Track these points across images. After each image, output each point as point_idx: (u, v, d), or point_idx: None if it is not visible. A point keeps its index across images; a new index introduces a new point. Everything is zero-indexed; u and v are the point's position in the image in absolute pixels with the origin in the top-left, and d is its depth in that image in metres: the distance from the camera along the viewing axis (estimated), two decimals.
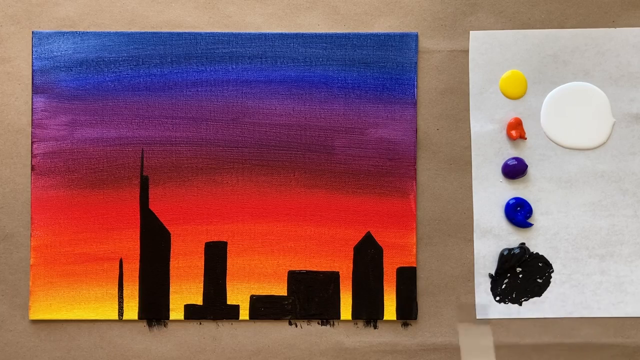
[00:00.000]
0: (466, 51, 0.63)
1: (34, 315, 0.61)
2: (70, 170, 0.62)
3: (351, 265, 0.62)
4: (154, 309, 0.62)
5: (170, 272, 0.62)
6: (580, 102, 0.63)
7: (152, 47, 0.62)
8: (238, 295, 0.62)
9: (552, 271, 0.62)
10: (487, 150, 0.63)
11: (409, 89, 0.62)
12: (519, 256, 0.62)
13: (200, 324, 0.62)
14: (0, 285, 0.62)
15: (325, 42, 0.62)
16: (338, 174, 0.62)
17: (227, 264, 0.62)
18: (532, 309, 0.62)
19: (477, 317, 0.62)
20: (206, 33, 0.62)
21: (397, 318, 0.62)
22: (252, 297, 0.62)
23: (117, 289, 0.62)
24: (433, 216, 0.62)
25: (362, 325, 0.62)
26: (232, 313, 0.62)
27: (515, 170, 0.62)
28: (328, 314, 0.62)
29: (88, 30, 0.62)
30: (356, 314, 0.62)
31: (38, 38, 0.62)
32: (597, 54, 0.63)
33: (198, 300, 0.62)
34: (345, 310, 0.62)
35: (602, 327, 0.62)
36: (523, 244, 0.62)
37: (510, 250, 0.62)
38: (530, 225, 0.62)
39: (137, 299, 0.62)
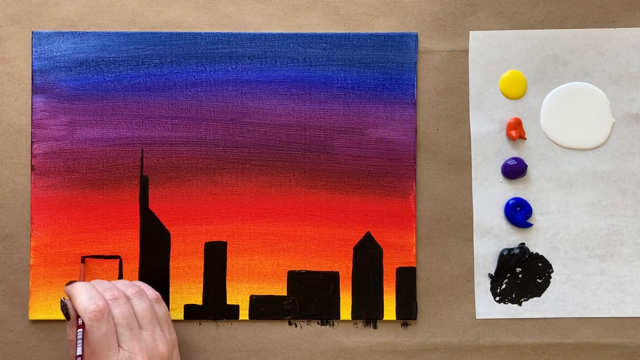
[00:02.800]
0: (466, 51, 0.63)
1: (33, 315, 0.61)
2: (70, 170, 0.62)
3: (351, 266, 0.62)
4: None
5: (170, 272, 0.62)
6: (580, 102, 0.63)
7: (152, 47, 0.62)
8: (238, 295, 0.62)
9: (552, 271, 0.62)
10: (487, 150, 0.63)
11: (408, 89, 0.62)
12: (518, 256, 0.62)
13: (200, 324, 0.62)
14: (0, 285, 0.62)
15: (325, 42, 0.62)
16: (338, 174, 0.62)
17: (227, 264, 0.62)
18: (532, 309, 0.62)
19: (477, 317, 0.62)
20: (206, 33, 0.62)
21: (397, 318, 0.62)
22: (252, 297, 0.62)
23: None
24: (433, 216, 0.62)
25: (362, 325, 0.62)
26: (232, 313, 0.62)
27: (515, 170, 0.62)
28: (328, 314, 0.62)
29: (88, 30, 0.62)
30: (356, 314, 0.62)
31: (38, 38, 0.62)
32: (597, 54, 0.63)
33: (198, 300, 0.62)
34: (345, 310, 0.62)
35: (602, 327, 0.62)
36: (523, 244, 0.62)
37: (510, 250, 0.62)
38: (530, 225, 0.62)
39: None
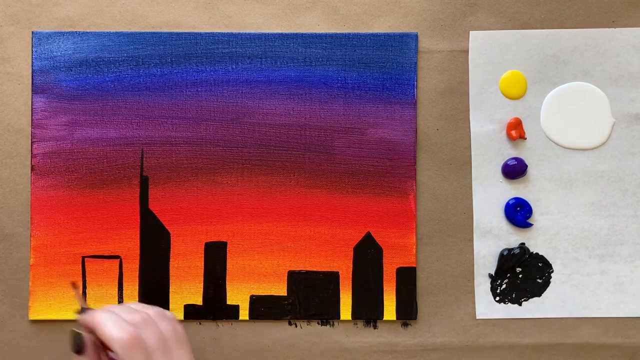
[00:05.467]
0: (466, 51, 0.63)
1: (34, 315, 0.61)
2: (70, 170, 0.62)
3: (351, 265, 0.62)
4: None
5: (170, 272, 0.62)
6: (580, 102, 0.63)
7: (152, 47, 0.62)
8: (238, 295, 0.62)
9: (552, 271, 0.62)
10: (487, 150, 0.63)
11: (408, 89, 0.62)
12: (518, 256, 0.62)
13: (200, 324, 0.62)
14: (0, 285, 0.62)
15: (325, 42, 0.62)
16: (338, 174, 0.62)
17: (227, 264, 0.62)
18: (532, 309, 0.62)
19: (477, 317, 0.62)
20: (206, 33, 0.62)
21: (397, 318, 0.62)
22: (252, 297, 0.62)
23: (117, 289, 0.62)
24: (433, 216, 0.62)
25: (362, 325, 0.62)
26: (232, 313, 0.62)
27: (515, 170, 0.62)
28: (328, 314, 0.62)
29: (88, 30, 0.62)
30: (356, 314, 0.62)
31: (38, 38, 0.62)
32: (597, 54, 0.63)
33: (198, 300, 0.62)
34: (345, 310, 0.62)
35: (602, 327, 0.62)
36: (523, 244, 0.62)
37: (510, 250, 0.62)
38: (530, 225, 0.62)
39: (137, 299, 0.62)
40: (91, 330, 0.50)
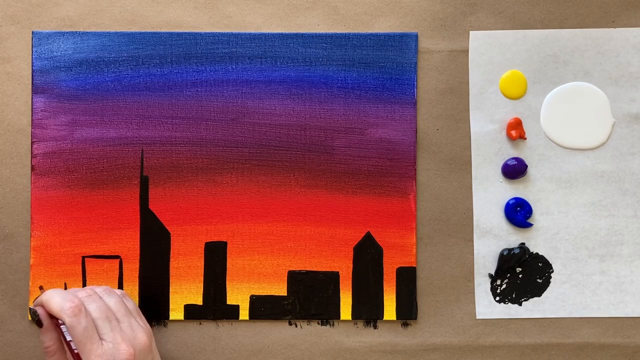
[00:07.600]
0: (466, 51, 0.63)
1: None
2: (70, 170, 0.62)
3: (351, 265, 0.62)
4: (153, 309, 0.62)
5: (170, 272, 0.62)
6: (580, 102, 0.63)
7: (152, 47, 0.62)
8: (238, 295, 0.62)
9: (552, 271, 0.62)
10: (487, 150, 0.63)
11: (408, 89, 0.62)
12: (518, 256, 0.62)
13: (200, 324, 0.62)
14: (0, 285, 0.62)
15: (325, 42, 0.62)
16: (338, 174, 0.62)
17: (227, 264, 0.62)
18: (532, 309, 0.62)
19: (477, 317, 0.62)
20: (206, 33, 0.62)
21: (397, 318, 0.62)
22: (252, 297, 0.62)
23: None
24: (433, 216, 0.62)
25: (362, 325, 0.62)
26: (232, 313, 0.62)
27: (515, 170, 0.62)
28: (328, 314, 0.62)
29: (88, 30, 0.62)
30: (356, 314, 0.62)
31: (38, 38, 0.62)
32: (597, 54, 0.63)
33: (198, 300, 0.62)
34: (345, 310, 0.62)
35: (602, 327, 0.62)
36: (523, 244, 0.62)
37: (510, 250, 0.62)
38: (530, 225, 0.62)
39: (137, 299, 0.62)
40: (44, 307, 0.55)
